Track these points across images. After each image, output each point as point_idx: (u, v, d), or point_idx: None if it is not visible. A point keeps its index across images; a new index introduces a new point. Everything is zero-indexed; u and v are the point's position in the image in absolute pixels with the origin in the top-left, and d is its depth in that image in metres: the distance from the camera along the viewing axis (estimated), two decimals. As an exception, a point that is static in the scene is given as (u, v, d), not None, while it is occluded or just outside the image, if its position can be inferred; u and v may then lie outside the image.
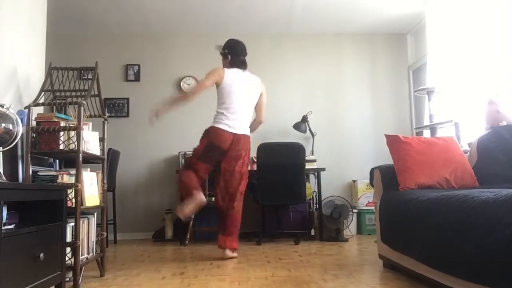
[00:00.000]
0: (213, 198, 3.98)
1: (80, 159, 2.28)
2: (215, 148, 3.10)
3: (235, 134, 3.13)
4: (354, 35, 5.18)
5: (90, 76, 4.68)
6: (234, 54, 3.30)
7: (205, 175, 3.23)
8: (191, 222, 4.00)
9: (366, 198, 4.65)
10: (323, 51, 5.16)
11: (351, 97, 5.11)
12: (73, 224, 2.23)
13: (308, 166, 4.31)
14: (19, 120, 2.10)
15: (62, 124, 2.38)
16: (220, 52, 3.41)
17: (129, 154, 4.78)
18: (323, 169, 4.50)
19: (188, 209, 3.00)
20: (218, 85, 3.18)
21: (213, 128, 3.13)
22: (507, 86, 3.26)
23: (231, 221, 3.18)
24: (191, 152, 3.27)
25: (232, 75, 3.18)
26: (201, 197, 3.01)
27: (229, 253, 3.11)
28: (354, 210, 4.56)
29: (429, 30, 4.42)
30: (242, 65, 3.29)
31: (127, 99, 4.93)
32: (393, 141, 2.65)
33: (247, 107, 3.22)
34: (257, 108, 3.36)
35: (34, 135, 2.33)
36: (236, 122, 3.14)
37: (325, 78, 5.11)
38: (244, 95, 3.19)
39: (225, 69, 3.22)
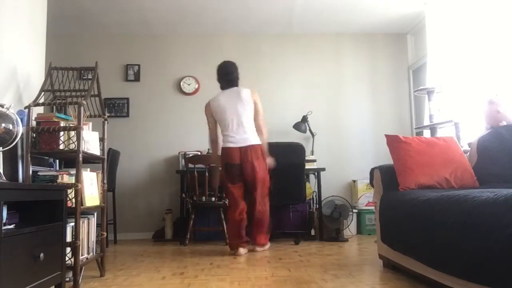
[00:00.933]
0: (213, 198, 4.01)
1: (80, 159, 2.28)
2: (230, 165, 3.36)
3: (241, 148, 3.34)
4: (354, 35, 5.18)
5: (90, 76, 4.68)
6: (219, 78, 3.57)
7: (241, 193, 3.45)
8: (191, 222, 4.00)
9: (366, 198, 4.65)
10: (323, 51, 5.16)
11: (351, 97, 5.11)
12: (73, 224, 2.23)
13: (308, 166, 4.31)
14: (19, 120, 2.10)
15: (62, 124, 2.38)
16: None
17: (129, 154, 4.78)
18: (323, 169, 4.50)
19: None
20: (213, 118, 3.50)
21: (222, 149, 3.42)
22: (507, 86, 3.26)
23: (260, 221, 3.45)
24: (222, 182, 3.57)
25: (216, 102, 3.46)
26: (241, 253, 3.34)
27: (259, 248, 3.46)
28: (354, 210, 4.56)
29: (429, 30, 4.41)
30: (227, 85, 3.51)
31: (127, 99, 4.93)
32: (393, 141, 2.65)
33: (243, 120, 3.38)
34: (254, 116, 3.51)
35: (34, 135, 2.33)
36: (239, 137, 3.36)
37: (325, 78, 5.11)
38: (233, 112, 3.38)
39: (209, 101, 3.52)
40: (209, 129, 3.55)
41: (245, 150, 3.33)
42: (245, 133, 3.37)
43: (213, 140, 3.54)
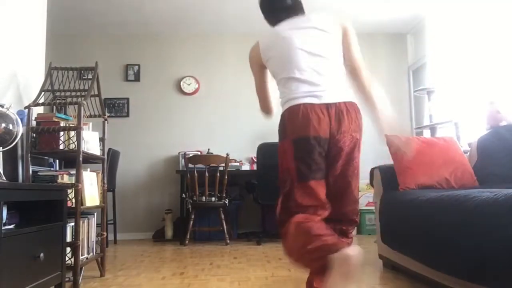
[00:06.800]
0: (213, 198, 4.01)
1: (80, 159, 2.28)
2: (306, 141, 1.68)
3: (329, 105, 1.67)
4: (354, 35, 5.17)
5: (90, 76, 4.66)
6: (265, 12, 1.89)
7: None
8: (191, 222, 4.00)
9: (366, 198, 4.64)
10: (323, 51, 5.15)
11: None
12: (73, 224, 2.23)
13: (308, 166, 4.30)
14: (19, 120, 2.09)
15: (62, 124, 2.38)
16: None
17: (129, 154, 4.77)
18: (323, 169, 4.49)
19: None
20: (263, 66, 1.85)
21: (289, 110, 1.67)
22: (507, 86, 3.26)
23: None
24: None
25: (269, 38, 1.81)
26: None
27: None
28: (354, 210, 4.55)
29: (429, 30, 4.42)
30: (284, 14, 1.80)
31: (127, 99, 4.93)
32: (393, 141, 2.65)
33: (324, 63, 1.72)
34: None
35: (34, 135, 2.33)
36: (323, 87, 1.69)
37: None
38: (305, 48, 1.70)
39: (258, 41, 1.84)
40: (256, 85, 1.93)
41: (338, 111, 1.62)
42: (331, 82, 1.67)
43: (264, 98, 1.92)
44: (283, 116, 1.66)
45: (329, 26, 1.75)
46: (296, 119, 1.60)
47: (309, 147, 1.58)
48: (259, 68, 1.89)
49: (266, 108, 1.92)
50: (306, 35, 1.72)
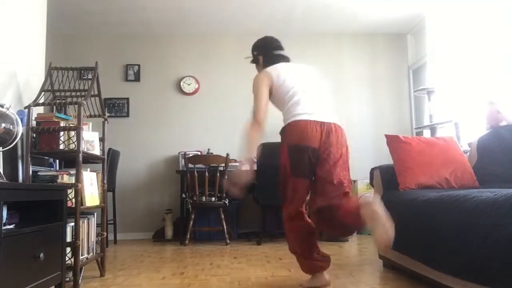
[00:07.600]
0: (213, 198, 4.01)
1: (80, 159, 2.28)
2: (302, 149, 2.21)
3: (323, 124, 2.24)
4: (354, 35, 5.18)
5: (90, 76, 4.67)
6: (269, 51, 2.55)
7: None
8: (191, 222, 4.00)
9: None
10: (323, 51, 5.15)
11: (351, 97, 5.10)
12: (73, 224, 2.23)
13: (308, 166, 4.30)
14: (19, 120, 2.10)
15: (62, 124, 2.38)
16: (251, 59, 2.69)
17: (129, 154, 4.78)
18: (323, 169, 4.49)
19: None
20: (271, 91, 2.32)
21: (291, 124, 2.21)
22: (507, 86, 3.26)
23: None
24: None
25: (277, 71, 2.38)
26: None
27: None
28: (354, 210, 4.55)
29: (429, 30, 4.42)
30: (283, 59, 2.50)
31: (127, 99, 4.93)
32: (393, 141, 2.65)
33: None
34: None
35: (34, 135, 2.33)
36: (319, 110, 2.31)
37: (324, 78, 5.10)
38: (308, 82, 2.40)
39: (267, 71, 2.38)
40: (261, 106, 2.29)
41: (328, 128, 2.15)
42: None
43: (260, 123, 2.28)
44: (288, 126, 2.18)
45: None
46: (296, 130, 2.12)
47: (302, 152, 2.08)
48: (268, 89, 2.33)
49: (264, 118, 2.33)
50: (306, 75, 2.43)
